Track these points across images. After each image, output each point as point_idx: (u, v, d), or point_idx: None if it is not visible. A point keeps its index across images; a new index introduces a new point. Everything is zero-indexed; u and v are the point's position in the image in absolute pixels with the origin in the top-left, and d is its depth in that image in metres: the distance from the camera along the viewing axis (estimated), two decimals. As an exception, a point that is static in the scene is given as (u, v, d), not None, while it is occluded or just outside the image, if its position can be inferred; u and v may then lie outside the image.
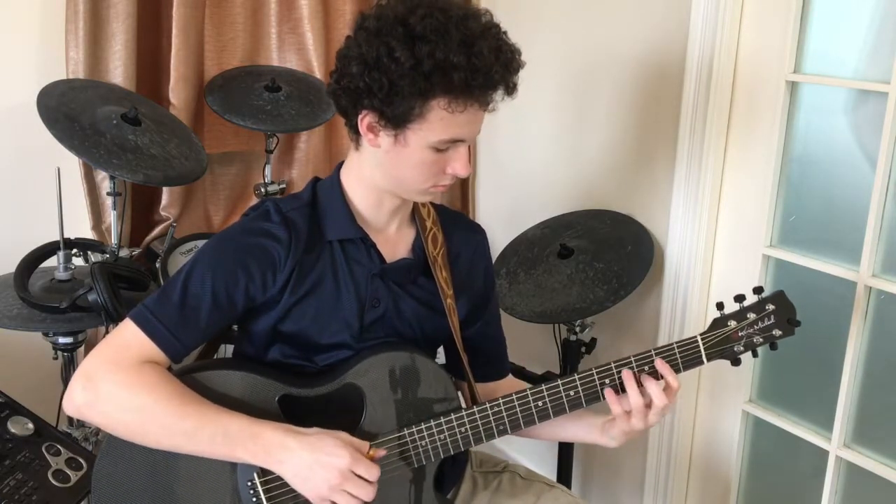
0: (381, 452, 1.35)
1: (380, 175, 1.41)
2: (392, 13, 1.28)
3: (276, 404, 1.39)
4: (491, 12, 1.34)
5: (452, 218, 1.58)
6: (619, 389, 1.39)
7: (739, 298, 1.41)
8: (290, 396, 1.40)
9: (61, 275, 1.99)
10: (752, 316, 1.41)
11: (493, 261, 2.24)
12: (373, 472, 1.29)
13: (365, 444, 1.33)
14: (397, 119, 1.31)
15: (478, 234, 1.61)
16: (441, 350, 1.62)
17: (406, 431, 1.40)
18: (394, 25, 1.27)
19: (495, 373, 1.64)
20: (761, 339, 1.41)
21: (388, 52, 1.26)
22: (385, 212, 1.46)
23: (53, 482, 1.63)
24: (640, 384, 1.38)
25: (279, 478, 1.33)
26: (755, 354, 1.44)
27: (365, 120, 1.34)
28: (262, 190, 2.45)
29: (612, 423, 1.44)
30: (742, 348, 1.41)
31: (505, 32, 1.34)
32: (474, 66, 1.26)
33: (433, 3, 1.28)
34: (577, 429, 1.51)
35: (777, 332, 1.41)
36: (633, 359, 1.39)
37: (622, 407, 1.39)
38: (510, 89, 1.33)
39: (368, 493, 1.29)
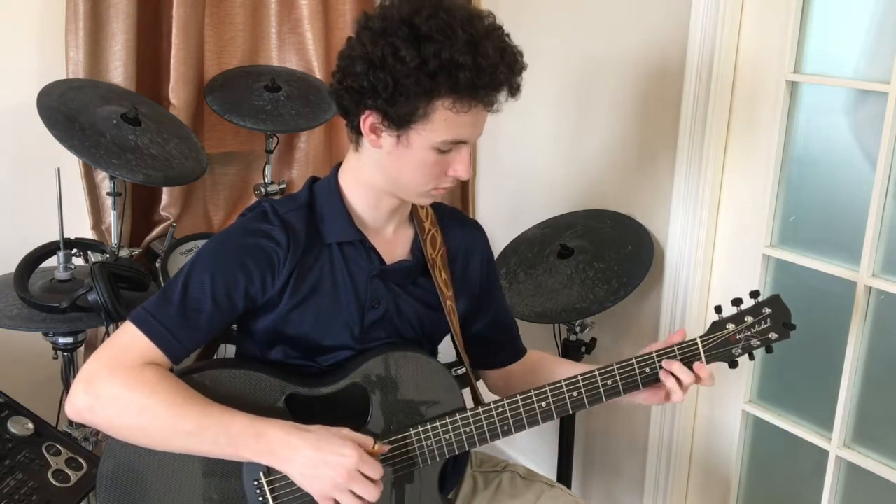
0: (385, 448, 1.35)
1: (380, 176, 1.40)
2: (397, 13, 1.28)
3: (283, 404, 1.38)
4: (494, 14, 1.34)
5: (450, 216, 1.58)
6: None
7: (737, 302, 1.43)
8: (297, 396, 1.39)
9: (61, 275, 1.98)
10: (749, 319, 1.42)
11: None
12: (378, 472, 1.29)
13: (370, 440, 1.33)
14: (401, 119, 1.30)
15: (476, 230, 1.61)
16: (450, 349, 1.62)
17: (411, 432, 1.40)
18: (399, 25, 1.27)
19: (512, 355, 1.65)
20: (758, 342, 1.42)
21: (394, 52, 1.26)
22: (383, 212, 1.46)
23: (53, 482, 1.62)
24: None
25: (285, 477, 1.32)
26: (752, 357, 1.45)
27: (368, 120, 1.34)
28: (262, 190, 2.45)
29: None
30: (740, 351, 1.43)
31: (508, 35, 1.33)
32: (480, 66, 1.26)
33: (438, 3, 1.28)
34: None
35: (773, 336, 1.42)
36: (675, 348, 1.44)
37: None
38: (514, 90, 1.33)
39: (373, 492, 1.29)
